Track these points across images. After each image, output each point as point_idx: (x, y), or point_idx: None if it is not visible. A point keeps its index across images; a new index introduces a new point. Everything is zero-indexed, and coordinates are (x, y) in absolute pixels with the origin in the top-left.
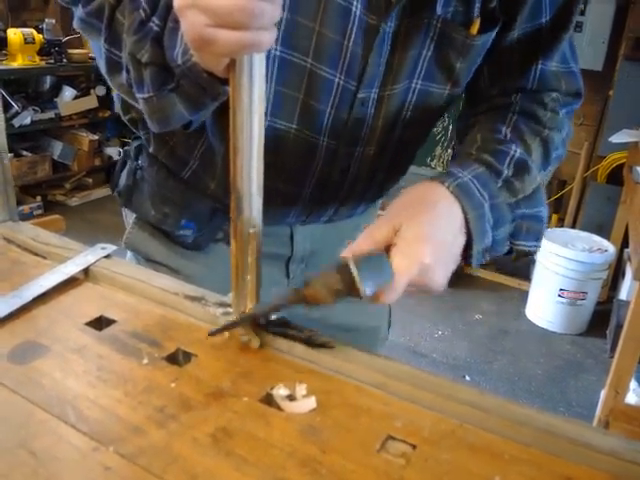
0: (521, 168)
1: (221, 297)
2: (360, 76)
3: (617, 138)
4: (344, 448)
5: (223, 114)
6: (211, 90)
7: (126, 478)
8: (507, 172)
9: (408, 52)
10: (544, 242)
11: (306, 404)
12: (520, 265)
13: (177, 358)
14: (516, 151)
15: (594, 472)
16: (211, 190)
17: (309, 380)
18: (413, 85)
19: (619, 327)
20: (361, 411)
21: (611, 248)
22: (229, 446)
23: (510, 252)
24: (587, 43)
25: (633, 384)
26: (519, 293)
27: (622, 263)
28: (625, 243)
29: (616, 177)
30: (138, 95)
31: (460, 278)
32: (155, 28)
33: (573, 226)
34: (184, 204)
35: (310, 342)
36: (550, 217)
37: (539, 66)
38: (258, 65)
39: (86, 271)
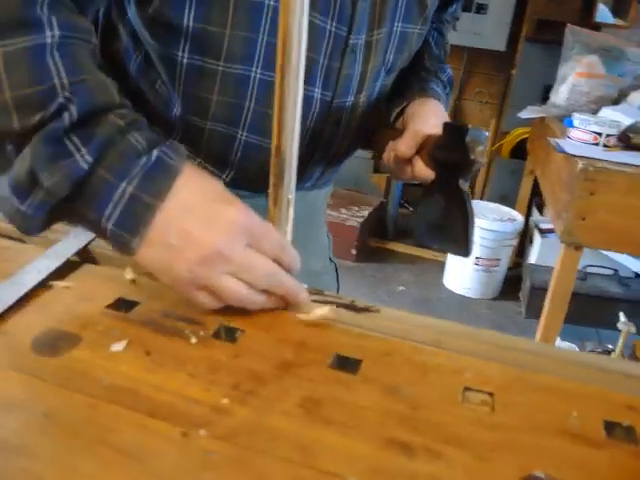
0: (451, 82)
1: None
2: (350, 21)
3: (525, 114)
4: (430, 403)
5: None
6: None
7: (236, 460)
8: (448, 88)
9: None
10: None
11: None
12: None
13: (225, 334)
14: (448, 70)
15: None
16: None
17: (365, 343)
18: (394, 28)
19: (534, 289)
20: (429, 368)
21: (519, 217)
22: (323, 414)
23: None
24: (491, 25)
25: (558, 341)
26: (436, 264)
27: (528, 230)
28: (529, 212)
29: (518, 152)
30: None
31: (381, 253)
32: (82, 165)
33: (481, 198)
34: None
35: (354, 307)
36: None
37: (456, 4)
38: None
39: (81, 253)
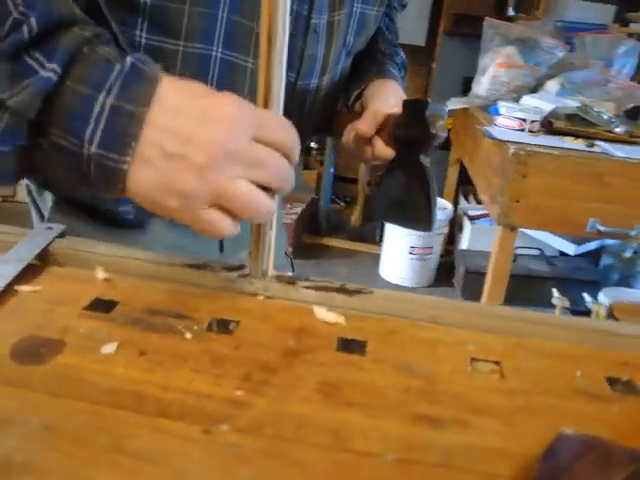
0: (405, 67)
1: (224, 262)
2: (311, 0)
3: (450, 105)
4: (443, 377)
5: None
6: (103, 193)
7: (267, 451)
8: (403, 71)
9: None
10: None
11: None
12: (367, 232)
13: (220, 327)
14: (402, 54)
15: None
16: None
17: (365, 324)
18: (354, 9)
19: (468, 273)
20: (433, 343)
21: (449, 206)
22: (343, 397)
23: None
24: (411, 20)
25: None
26: (370, 256)
27: (457, 218)
28: (456, 200)
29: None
30: None
31: (316, 249)
32: (49, 76)
33: None
34: None
35: (346, 290)
36: None
37: None
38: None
39: (42, 255)
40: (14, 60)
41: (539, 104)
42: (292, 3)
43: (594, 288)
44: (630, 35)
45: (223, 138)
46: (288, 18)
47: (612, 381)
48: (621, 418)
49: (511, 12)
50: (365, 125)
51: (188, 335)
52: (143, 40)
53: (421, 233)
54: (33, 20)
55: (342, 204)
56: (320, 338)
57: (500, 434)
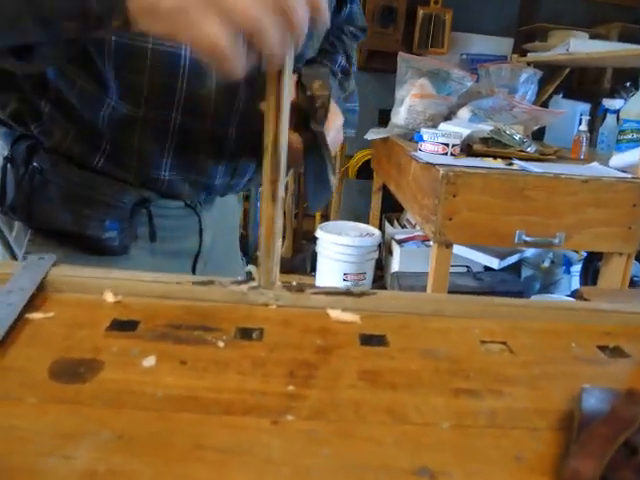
0: (346, 72)
1: (230, 277)
2: None
3: (370, 135)
4: (464, 357)
5: (127, 71)
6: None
7: (339, 433)
8: (339, 74)
9: None
10: (322, 235)
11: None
12: (297, 263)
13: (247, 336)
14: (341, 60)
15: (619, 326)
16: (132, 178)
17: (379, 321)
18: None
19: None
20: (445, 331)
21: (376, 232)
22: (386, 381)
23: None
24: None
25: None
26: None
27: (385, 243)
28: (381, 226)
29: (363, 172)
30: None
31: None
32: None
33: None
34: (109, 201)
35: (352, 294)
36: (314, 215)
37: (349, 6)
38: None
39: (40, 285)
40: None
41: (457, 129)
42: None
43: (520, 298)
44: (529, 64)
45: None
46: None
47: (603, 348)
48: (620, 375)
49: (418, 48)
50: None
51: (221, 344)
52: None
53: (353, 259)
54: None
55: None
56: (343, 335)
57: (530, 397)
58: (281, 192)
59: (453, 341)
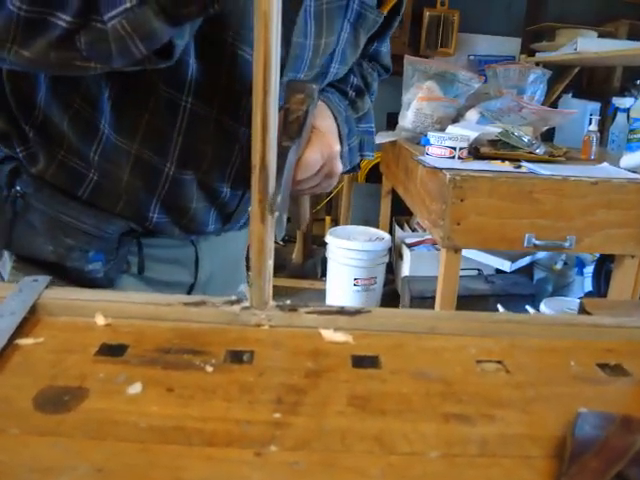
0: (359, 91)
1: (222, 297)
2: (283, 59)
3: (379, 139)
4: (458, 379)
5: (126, 104)
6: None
7: (323, 463)
8: (351, 93)
9: (331, 36)
10: (332, 240)
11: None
12: (308, 268)
13: (236, 359)
14: (354, 79)
15: (621, 342)
16: (120, 207)
17: (372, 341)
18: (331, 69)
19: (414, 298)
20: (439, 350)
21: (387, 236)
22: (375, 406)
23: (354, 168)
24: None
25: None
26: (315, 292)
27: (395, 247)
28: (391, 230)
29: (372, 176)
30: (111, 13)
31: None
32: None
33: (347, 224)
34: (92, 231)
35: (346, 312)
36: (324, 219)
37: (374, 45)
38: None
39: (32, 308)
40: None
41: (464, 132)
42: None
43: (532, 301)
44: (537, 64)
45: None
46: (279, 51)
47: (603, 366)
48: (618, 396)
49: (425, 50)
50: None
51: (209, 368)
52: None
53: (363, 264)
54: None
55: (281, 243)
56: (334, 357)
57: (523, 422)
58: (274, 211)
59: (447, 361)
